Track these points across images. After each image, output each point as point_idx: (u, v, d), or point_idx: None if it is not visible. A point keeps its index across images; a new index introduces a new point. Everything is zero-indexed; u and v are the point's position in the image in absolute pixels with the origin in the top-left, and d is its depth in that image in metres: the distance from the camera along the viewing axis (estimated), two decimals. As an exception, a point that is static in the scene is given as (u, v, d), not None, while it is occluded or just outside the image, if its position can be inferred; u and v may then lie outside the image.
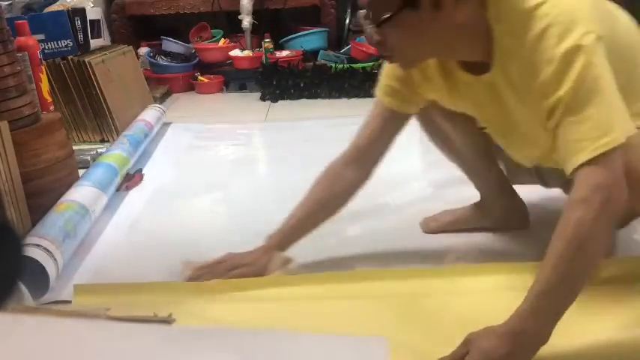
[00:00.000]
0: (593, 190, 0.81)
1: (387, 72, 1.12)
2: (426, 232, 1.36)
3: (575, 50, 0.83)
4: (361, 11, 0.96)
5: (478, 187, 1.34)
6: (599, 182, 0.81)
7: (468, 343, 0.83)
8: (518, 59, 0.91)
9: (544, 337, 0.81)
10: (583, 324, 0.91)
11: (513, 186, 1.33)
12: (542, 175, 1.25)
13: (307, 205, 1.19)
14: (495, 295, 1.05)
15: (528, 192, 1.36)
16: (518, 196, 1.33)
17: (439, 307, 1.03)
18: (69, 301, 1.12)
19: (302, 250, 1.21)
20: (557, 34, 0.84)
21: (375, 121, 1.15)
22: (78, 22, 2.30)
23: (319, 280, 1.14)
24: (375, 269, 1.19)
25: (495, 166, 1.30)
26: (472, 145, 1.25)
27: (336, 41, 3.41)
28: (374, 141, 1.16)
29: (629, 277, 1.06)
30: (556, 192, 1.27)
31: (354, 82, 2.87)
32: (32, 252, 1.13)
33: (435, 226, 1.37)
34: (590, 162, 0.82)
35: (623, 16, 1.01)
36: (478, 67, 0.98)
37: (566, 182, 0.93)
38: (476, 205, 1.36)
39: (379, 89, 1.14)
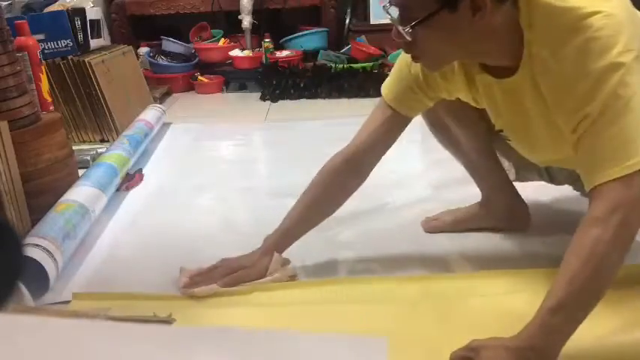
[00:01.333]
0: (612, 210, 0.79)
1: (398, 74, 1.09)
2: (428, 232, 1.36)
3: (612, 68, 0.82)
4: (387, 6, 0.93)
5: (480, 187, 1.34)
6: (618, 203, 0.80)
7: (472, 350, 0.82)
8: (551, 70, 0.88)
9: (552, 355, 0.79)
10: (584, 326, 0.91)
11: (519, 182, 1.34)
12: (550, 173, 1.26)
13: (303, 206, 1.18)
14: (495, 299, 1.05)
15: (530, 192, 1.37)
16: (520, 197, 1.33)
17: (439, 311, 1.04)
18: (69, 302, 1.13)
19: (302, 252, 1.21)
20: (596, 50, 0.82)
21: (378, 122, 1.12)
22: (78, 22, 2.30)
23: (319, 284, 1.14)
24: (375, 277, 1.18)
25: (498, 167, 1.30)
26: (477, 146, 1.25)
27: (336, 41, 3.42)
28: (375, 143, 1.13)
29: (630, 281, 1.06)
30: (557, 194, 1.26)
31: (354, 82, 2.87)
32: (32, 252, 1.13)
33: (436, 225, 1.37)
34: (611, 182, 0.81)
35: None
36: (499, 70, 0.96)
37: (575, 180, 0.92)
38: (477, 205, 1.36)
39: (387, 92, 1.11)
